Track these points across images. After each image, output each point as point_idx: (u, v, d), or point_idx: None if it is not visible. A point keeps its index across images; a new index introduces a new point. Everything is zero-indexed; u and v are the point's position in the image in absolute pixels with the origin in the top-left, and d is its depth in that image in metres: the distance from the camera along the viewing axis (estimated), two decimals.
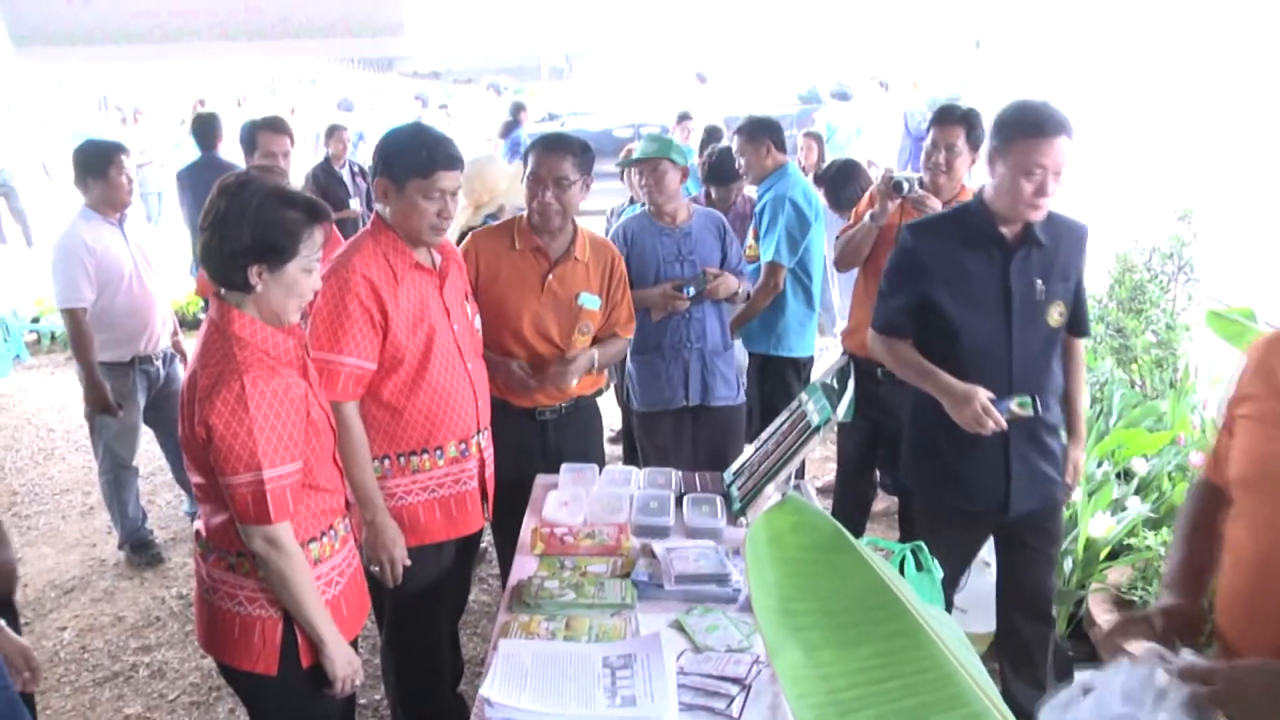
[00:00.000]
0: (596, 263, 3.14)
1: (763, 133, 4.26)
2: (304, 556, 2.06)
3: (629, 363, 3.78)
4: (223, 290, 2.04)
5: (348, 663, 2.16)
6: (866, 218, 3.63)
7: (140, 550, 4.43)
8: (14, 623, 2.77)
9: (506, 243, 3.08)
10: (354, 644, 2.32)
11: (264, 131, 4.64)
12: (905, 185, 3.47)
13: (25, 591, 4.22)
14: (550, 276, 3.05)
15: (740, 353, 4.14)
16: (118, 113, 11.98)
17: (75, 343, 3.96)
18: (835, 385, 3.72)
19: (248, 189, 1.99)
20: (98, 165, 3.96)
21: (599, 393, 3.36)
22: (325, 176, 7.46)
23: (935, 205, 3.42)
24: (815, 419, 2.69)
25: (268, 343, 2.02)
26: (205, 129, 6.39)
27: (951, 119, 3.49)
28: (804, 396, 2.86)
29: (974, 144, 3.49)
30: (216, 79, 13.07)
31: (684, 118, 8.25)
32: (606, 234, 3.75)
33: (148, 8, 5.13)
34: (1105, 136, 5.48)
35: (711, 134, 8.07)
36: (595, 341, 3.16)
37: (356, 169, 7.64)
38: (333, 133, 7.69)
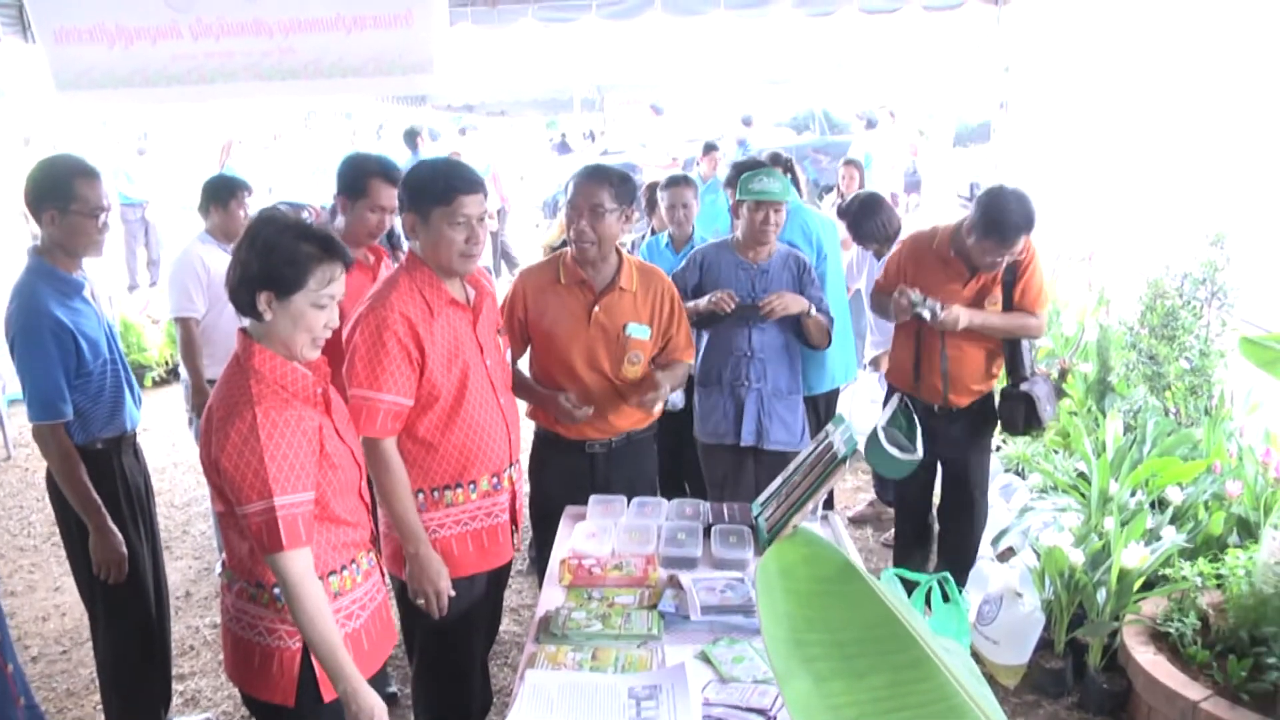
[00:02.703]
0: (645, 291, 3.15)
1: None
2: (320, 590, 2.04)
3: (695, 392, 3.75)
4: (247, 324, 2.09)
5: (368, 707, 2.05)
6: (891, 309, 3.55)
7: None
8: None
9: (552, 277, 3.12)
10: (383, 674, 2.33)
11: (378, 180, 3.24)
12: (927, 315, 3.41)
13: (63, 621, 4.29)
14: (596, 308, 3.07)
15: None
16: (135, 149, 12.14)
17: (185, 350, 4.14)
18: (901, 425, 3.70)
19: (269, 223, 2.06)
20: (221, 196, 4.25)
21: (651, 427, 3.34)
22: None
23: (954, 319, 3.39)
24: (842, 450, 2.68)
25: (285, 378, 2.06)
26: (410, 135, 9.97)
27: (1013, 235, 3.33)
28: (830, 428, 2.85)
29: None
30: (253, 113, 13.32)
31: (710, 148, 8.24)
32: None
33: (185, 51, 5.28)
34: (1138, 161, 5.47)
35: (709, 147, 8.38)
36: (659, 368, 3.19)
37: None
38: None
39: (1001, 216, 3.32)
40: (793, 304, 3.43)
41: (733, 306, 3.42)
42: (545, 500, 3.20)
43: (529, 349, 3.21)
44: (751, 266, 3.55)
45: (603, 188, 2.97)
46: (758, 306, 3.42)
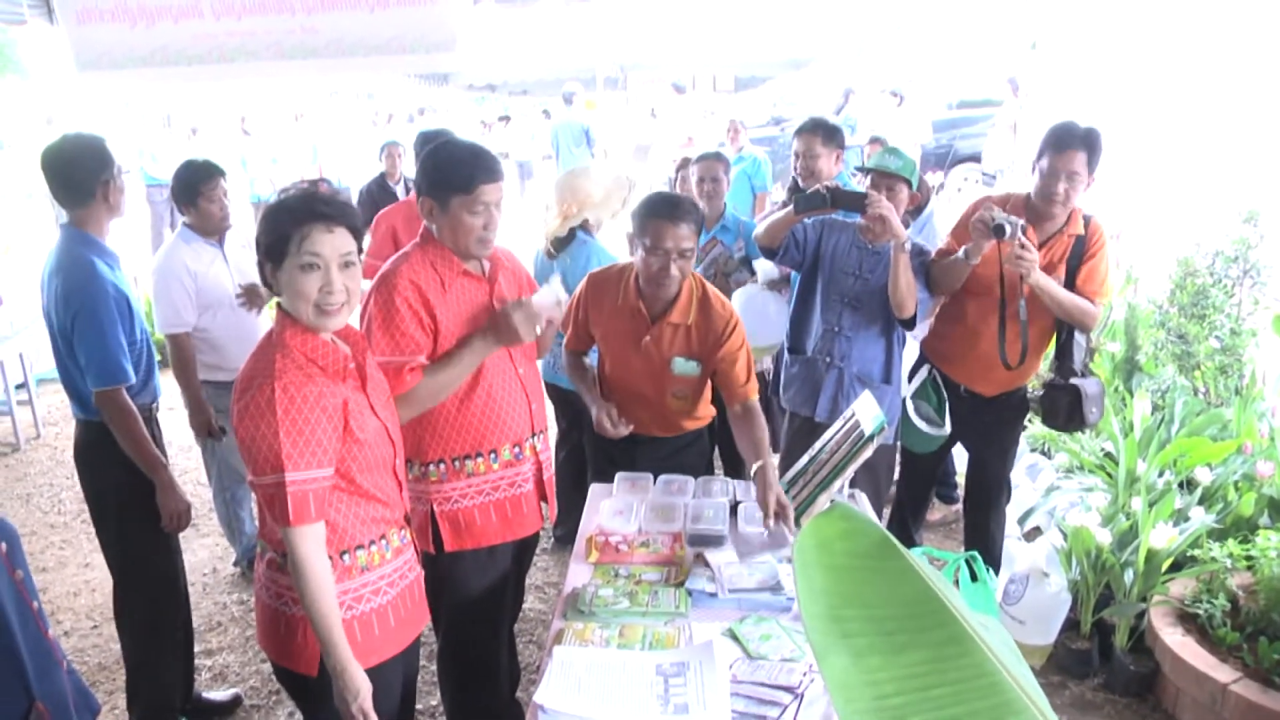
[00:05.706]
0: (704, 326, 3.03)
1: (835, 141, 4.09)
2: (325, 566, 2.03)
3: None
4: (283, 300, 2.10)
5: (354, 686, 2.05)
6: (961, 253, 3.29)
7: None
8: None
9: (615, 295, 3.09)
10: (408, 652, 2.33)
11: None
12: (1007, 229, 3.10)
13: (94, 596, 4.35)
14: (647, 338, 3.05)
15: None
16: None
17: (178, 367, 3.87)
18: (930, 398, 3.66)
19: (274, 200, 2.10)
20: (186, 193, 3.87)
21: (711, 425, 3.30)
22: (379, 192, 7.60)
23: (1033, 259, 3.11)
24: (868, 428, 2.67)
25: (315, 352, 2.06)
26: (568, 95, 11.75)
27: (1071, 143, 3.20)
28: (856, 407, 2.84)
29: (1093, 168, 3.24)
30: (275, 92, 13.35)
31: (736, 126, 8.22)
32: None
33: (206, 30, 5.26)
34: (1167, 138, 5.39)
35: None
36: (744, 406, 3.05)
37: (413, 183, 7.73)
38: (385, 149, 7.82)
39: (1063, 128, 3.27)
40: (895, 222, 3.18)
41: (832, 185, 3.29)
42: (593, 476, 3.27)
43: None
44: (865, 245, 3.41)
45: (689, 226, 2.90)
46: (863, 195, 3.20)
